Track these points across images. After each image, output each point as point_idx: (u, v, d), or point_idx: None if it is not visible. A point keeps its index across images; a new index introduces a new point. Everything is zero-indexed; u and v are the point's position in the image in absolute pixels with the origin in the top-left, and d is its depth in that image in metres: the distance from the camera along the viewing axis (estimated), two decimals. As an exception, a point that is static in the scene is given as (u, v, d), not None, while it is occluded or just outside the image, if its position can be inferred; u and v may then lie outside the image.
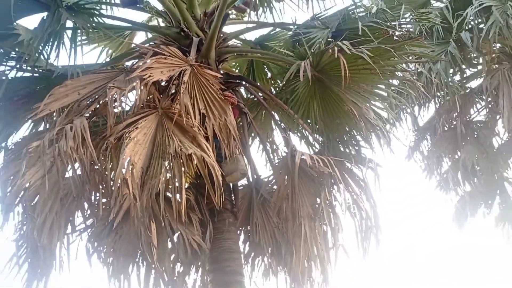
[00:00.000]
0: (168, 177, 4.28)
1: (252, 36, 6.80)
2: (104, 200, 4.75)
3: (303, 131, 6.10)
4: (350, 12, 5.78)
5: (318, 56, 5.14)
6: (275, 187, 5.50)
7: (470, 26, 7.24)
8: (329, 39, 5.45)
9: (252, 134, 6.48)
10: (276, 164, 5.95)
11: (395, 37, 5.39)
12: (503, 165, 8.20)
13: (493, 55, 7.81)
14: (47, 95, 4.44)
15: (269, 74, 6.93)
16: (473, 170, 8.02)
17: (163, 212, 4.19)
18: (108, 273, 4.86)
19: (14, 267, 4.59)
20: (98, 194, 4.79)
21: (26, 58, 4.98)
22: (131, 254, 4.74)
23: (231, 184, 5.28)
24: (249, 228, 5.59)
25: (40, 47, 5.08)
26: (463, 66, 7.97)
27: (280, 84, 6.65)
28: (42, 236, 4.30)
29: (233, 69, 6.86)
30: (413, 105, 7.62)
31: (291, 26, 6.46)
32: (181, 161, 4.17)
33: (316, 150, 5.88)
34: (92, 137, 4.18)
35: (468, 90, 8.27)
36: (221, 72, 5.56)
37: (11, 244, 4.62)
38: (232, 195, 5.39)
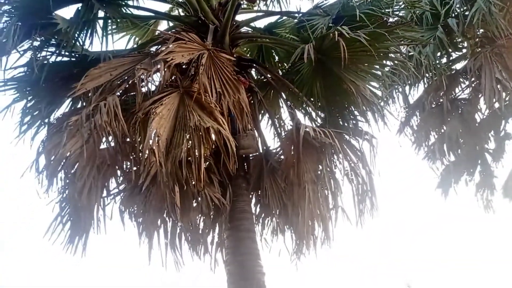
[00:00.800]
0: (189, 147, 4.33)
1: (261, 23, 6.77)
2: (134, 168, 4.82)
3: (307, 107, 6.11)
4: (349, 1, 5.73)
5: (320, 40, 5.12)
6: (282, 156, 5.55)
7: (456, 13, 7.16)
8: (330, 25, 5.43)
9: (262, 111, 6.51)
10: (283, 137, 5.99)
11: (389, 23, 5.35)
12: (484, 138, 8.17)
13: (477, 39, 7.69)
14: (83, 76, 4.49)
15: (276, 58, 6.91)
16: (457, 142, 8.00)
17: (188, 175, 4.26)
18: (139, 231, 4.98)
19: (58, 225, 4.72)
20: (129, 163, 4.88)
21: (64, 45, 5.02)
22: (158, 213, 4.84)
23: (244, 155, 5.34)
24: (259, 193, 5.66)
25: (76, 35, 5.13)
26: (450, 50, 7.86)
27: (287, 66, 6.64)
28: (82, 199, 4.41)
29: (245, 53, 6.86)
30: (404, 84, 7.55)
31: (296, 14, 6.44)
32: (200, 133, 4.23)
33: (318, 124, 5.90)
34: (123, 112, 4.22)
35: (453, 71, 8.18)
36: (235, 55, 5.56)
37: (55, 206, 4.74)
38: (245, 164, 5.45)
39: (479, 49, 7.55)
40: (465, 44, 7.94)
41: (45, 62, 5.02)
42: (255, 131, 5.63)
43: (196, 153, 4.25)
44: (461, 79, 8.12)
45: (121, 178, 5.00)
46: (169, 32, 5.70)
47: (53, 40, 5.13)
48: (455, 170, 8.42)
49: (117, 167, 4.87)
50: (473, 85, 7.83)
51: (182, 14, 6.22)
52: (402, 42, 5.65)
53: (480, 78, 7.17)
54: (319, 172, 5.19)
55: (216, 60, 4.82)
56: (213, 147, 4.80)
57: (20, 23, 4.66)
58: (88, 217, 4.68)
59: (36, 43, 4.96)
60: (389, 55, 5.49)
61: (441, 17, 6.99)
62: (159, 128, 4.10)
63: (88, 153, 4.14)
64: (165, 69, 4.45)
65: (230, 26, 5.53)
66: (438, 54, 7.59)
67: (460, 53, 8.19)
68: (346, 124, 5.64)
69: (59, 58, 5.25)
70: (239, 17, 6.18)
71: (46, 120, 5.11)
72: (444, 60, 8.21)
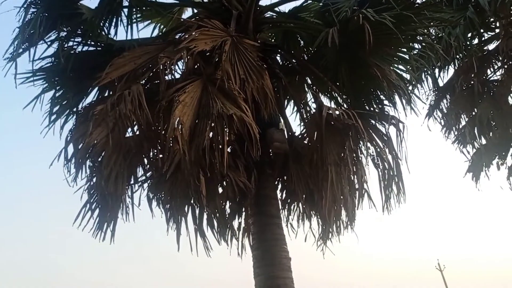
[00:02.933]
0: (212, 135, 4.27)
1: (285, 8, 6.58)
2: (160, 155, 4.81)
3: (333, 92, 5.97)
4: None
5: (344, 24, 4.94)
6: (306, 141, 5.45)
7: (488, -8, 6.80)
8: (354, 8, 5.22)
9: (287, 97, 6.39)
10: (307, 121, 5.87)
11: (416, 4, 5.12)
12: (517, 120, 7.83)
13: (510, 19, 7.34)
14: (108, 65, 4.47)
15: (301, 42, 6.73)
16: (489, 125, 7.72)
17: (212, 161, 4.22)
18: (167, 217, 5.00)
19: (87, 212, 4.77)
20: (155, 150, 4.87)
21: (90, 34, 5.02)
22: (185, 199, 4.82)
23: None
24: (285, 178, 5.58)
25: (101, 24, 5.12)
26: (481, 30, 7.55)
27: (311, 51, 6.47)
28: (109, 186, 4.42)
29: (269, 39, 6.72)
30: (433, 67, 7.31)
31: (321, -2, 6.23)
32: (224, 120, 4.15)
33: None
34: (147, 101, 4.18)
35: (485, 52, 7.87)
36: (259, 41, 5.44)
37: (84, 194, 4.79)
38: (270, 150, 5.36)
39: (512, 28, 7.21)
40: (498, 24, 7.59)
41: (72, 52, 5.04)
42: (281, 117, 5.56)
43: (220, 140, 4.19)
44: (493, 60, 7.81)
45: (148, 166, 5.01)
46: (192, 19, 5.64)
47: (78, 30, 5.14)
48: (486, 153, 8.14)
49: (143, 155, 4.87)
50: (505, 66, 7.52)
51: (205, 0, 6.13)
52: (431, 23, 5.40)
53: (512, 58, 6.86)
54: (342, 155, 5.05)
55: (239, 46, 4.70)
56: (237, 132, 4.74)
57: (46, 14, 4.68)
58: (115, 204, 4.72)
59: (62, 34, 4.98)
60: (417, 37, 5.26)
61: (472, -4, 6.69)
62: (182, 116, 4.04)
63: (113, 141, 4.14)
64: (188, 57, 4.37)
65: (254, 11, 5.40)
66: (469, 35, 7.30)
67: (492, 34, 7.85)
68: (372, 109, 5.48)
69: (85, 48, 5.28)
70: (263, 2, 6.06)
71: (74, 110, 5.14)
72: (475, 41, 7.89)
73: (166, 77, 4.43)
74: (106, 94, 5.05)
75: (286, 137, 5.31)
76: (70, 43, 5.13)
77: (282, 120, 5.59)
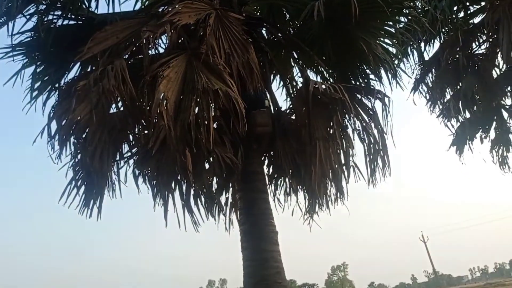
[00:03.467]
0: (198, 110, 4.22)
1: (271, -19, 6.45)
2: (146, 131, 4.75)
3: (319, 67, 5.93)
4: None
5: (330, -3, 4.87)
6: (293, 116, 5.43)
7: (474, -37, 6.77)
8: (341, -20, 5.14)
9: (273, 71, 6.33)
10: (294, 96, 5.84)
11: (402, -23, 5.05)
12: (501, 94, 7.93)
13: (496, -9, 7.31)
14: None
15: (287, 16, 6.61)
16: (473, 99, 7.80)
17: (198, 137, 4.18)
18: (153, 194, 4.97)
19: (73, 189, 4.73)
20: (140, 126, 4.81)
21: (70, 7, 4.88)
22: (172, 175, 4.80)
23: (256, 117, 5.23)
24: (272, 154, 5.58)
25: (81, -3, 4.96)
26: (467, 3, 7.52)
27: (297, 25, 6.38)
28: (94, 162, 4.38)
29: (255, 12, 6.60)
30: (419, 40, 7.29)
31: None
32: (209, 96, 4.09)
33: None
34: (131, 76, 4.09)
35: (471, 26, 7.86)
36: (243, 15, 5.33)
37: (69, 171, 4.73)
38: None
39: (498, 1, 7.18)
40: (484, -3, 7.58)
41: (52, 26, 4.89)
42: (267, 92, 5.50)
43: (205, 116, 4.14)
44: (478, 34, 7.81)
45: (133, 142, 4.96)
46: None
47: (58, 3, 4.97)
48: (470, 127, 8.25)
49: (128, 131, 4.81)
50: (490, 39, 7.52)
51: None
52: (417, -4, 5.36)
53: (498, 32, 6.86)
54: (329, 130, 5.06)
55: (224, 20, 4.63)
56: (223, 108, 4.69)
57: (24, -14, 4.51)
58: (101, 181, 4.68)
59: (41, 7, 4.81)
60: (403, 10, 5.22)
61: (458, -31, 6.63)
62: (167, 91, 3.99)
63: (97, 117, 4.07)
64: (172, 31, 4.28)
65: (238, -17, 5.30)
66: (455, 8, 7.26)
67: (478, 6, 7.82)
68: (358, 83, 5.47)
69: (65, 22, 5.11)
70: (248, -26, 5.90)
71: (56, 85, 5.03)
72: (461, 14, 7.87)
73: (150, 52, 4.32)
74: (89, 69, 4.94)
75: (272, 113, 5.25)
76: (50, 17, 4.96)
77: (268, 96, 5.55)
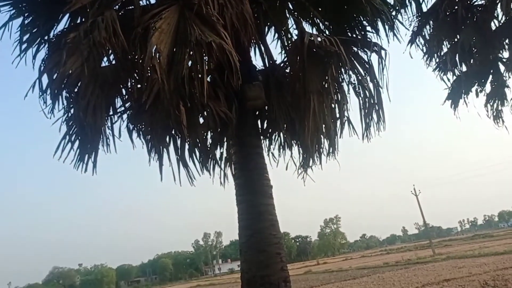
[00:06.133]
0: (191, 63, 4.15)
1: None
2: (139, 85, 4.69)
3: (315, 19, 5.80)
4: None
5: None
6: (288, 70, 5.37)
7: None
8: None
9: (268, 23, 6.19)
10: (288, 48, 5.75)
11: None
12: (499, 47, 7.80)
13: None
14: (79, -11, 4.20)
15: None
16: (470, 52, 7.68)
17: (193, 90, 4.14)
18: (148, 148, 4.97)
19: (67, 143, 4.71)
20: (132, 80, 4.75)
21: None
22: (166, 130, 4.78)
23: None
24: (266, 108, 5.55)
25: None
26: (468, -49, 7.29)
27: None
28: (87, 117, 4.34)
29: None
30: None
31: None
32: (202, 48, 4.01)
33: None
34: (122, 28, 3.99)
35: (471, -25, 7.65)
36: (237, -37, 5.15)
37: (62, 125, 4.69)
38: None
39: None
40: None
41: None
42: (261, 43, 5.41)
43: (199, 69, 4.08)
44: (478, -16, 7.61)
45: (126, 96, 4.91)
46: None
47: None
48: (466, 80, 8.18)
49: (121, 85, 4.75)
50: (490, -10, 7.34)
51: None
52: None
53: (498, -18, 6.69)
54: (324, 83, 5.01)
55: (217, -32, 4.46)
56: (217, 61, 4.62)
57: None
58: (95, 136, 4.66)
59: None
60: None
61: None
62: (159, 43, 3.90)
63: (89, 71, 4.00)
64: (163, -21, 4.15)
65: None
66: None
67: (478, -45, 7.59)
68: (354, 36, 5.37)
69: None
70: None
71: (46, 38, 4.89)
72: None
73: (141, 2, 4.22)
74: (79, 21, 4.80)
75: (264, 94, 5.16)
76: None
77: (263, 48, 5.46)
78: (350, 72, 5.05)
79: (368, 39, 5.24)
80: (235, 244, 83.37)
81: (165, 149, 4.95)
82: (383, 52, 5.00)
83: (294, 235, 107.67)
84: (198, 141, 5.16)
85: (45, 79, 4.29)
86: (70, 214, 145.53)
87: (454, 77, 8.31)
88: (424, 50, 8.12)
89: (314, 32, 5.79)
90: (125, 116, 5.01)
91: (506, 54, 7.96)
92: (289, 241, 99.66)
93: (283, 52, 6.10)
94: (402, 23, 5.72)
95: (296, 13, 6.01)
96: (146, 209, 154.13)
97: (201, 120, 4.99)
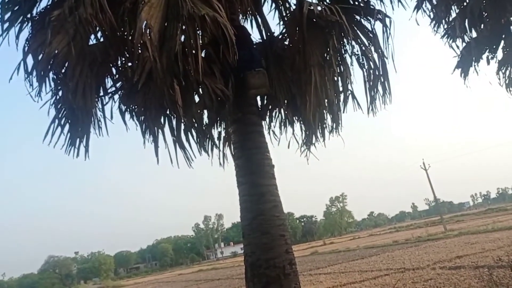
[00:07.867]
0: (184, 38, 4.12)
1: None
2: (130, 64, 4.66)
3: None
4: None
5: None
6: (287, 42, 5.33)
7: None
8: None
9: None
10: (287, 19, 5.69)
11: None
12: (511, 9, 7.70)
13: None
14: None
15: None
16: (480, 16, 7.61)
17: (187, 67, 4.11)
18: (142, 130, 4.97)
19: (57, 127, 4.70)
20: (123, 59, 4.72)
21: None
22: (161, 110, 4.77)
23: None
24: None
25: None
26: None
27: None
28: (77, 99, 4.33)
29: None
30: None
31: None
32: (195, 22, 3.98)
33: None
34: (109, 3, 3.94)
35: None
36: None
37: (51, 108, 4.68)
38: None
39: None
40: None
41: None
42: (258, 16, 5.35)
43: (192, 44, 4.05)
44: None
45: (117, 76, 4.88)
46: None
47: None
48: (476, 47, 8.13)
49: (110, 64, 4.73)
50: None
51: None
52: None
53: None
54: (326, 56, 4.98)
55: None
56: (211, 35, 4.58)
57: None
58: (86, 118, 4.65)
59: None
60: None
61: None
62: (149, 18, 3.86)
63: (76, 50, 3.98)
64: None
65: None
66: None
67: None
68: (356, 3, 5.31)
69: None
70: None
71: (29, 16, 4.84)
72: None
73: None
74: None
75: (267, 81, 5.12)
76: None
77: (260, 20, 5.40)
78: (353, 43, 5.01)
79: (372, 6, 5.18)
80: (237, 227, 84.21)
81: (160, 130, 4.94)
82: (387, 19, 4.96)
83: (299, 215, 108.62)
84: (194, 120, 5.17)
85: (30, 60, 4.28)
86: (63, 201, 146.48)
87: (464, 44, 8.26)
88: (432, 16, 8.05)
89: (314, 0, 5.73)
90: (116, 97, 4.99)
91: (518, 17, 7.89)
92: (294, 222, 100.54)
93: (281, 23, 6.04)
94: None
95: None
96: (143, 193, 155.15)
97: (197, 99, 4.97)
